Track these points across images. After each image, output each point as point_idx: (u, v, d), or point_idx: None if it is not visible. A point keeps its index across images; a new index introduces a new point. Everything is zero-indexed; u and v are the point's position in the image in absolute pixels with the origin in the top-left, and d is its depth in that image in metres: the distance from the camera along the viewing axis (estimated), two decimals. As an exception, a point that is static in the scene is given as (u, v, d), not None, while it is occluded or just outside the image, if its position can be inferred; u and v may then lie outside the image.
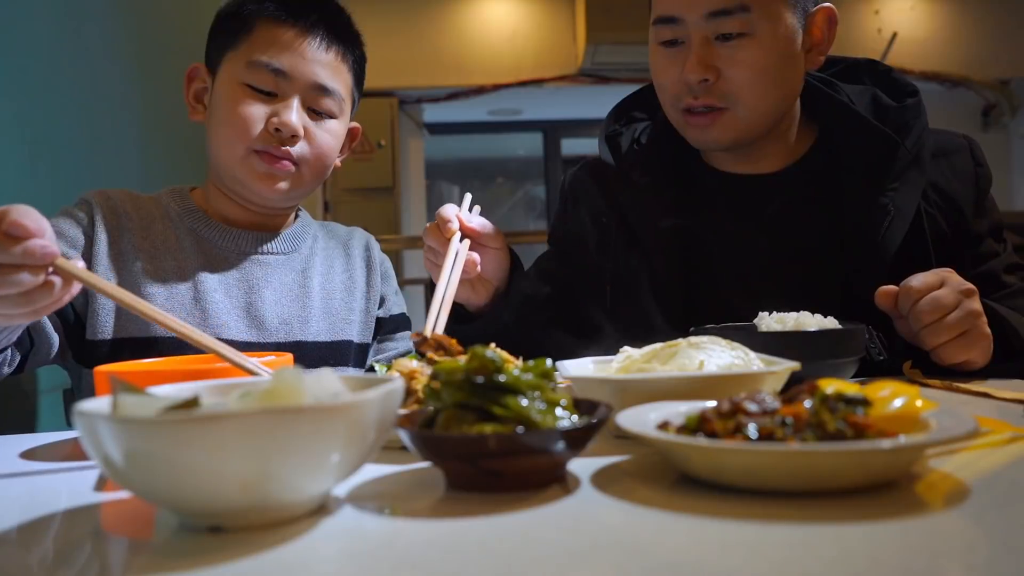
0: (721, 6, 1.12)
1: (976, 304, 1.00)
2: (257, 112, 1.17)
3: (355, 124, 1.33)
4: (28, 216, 0.74)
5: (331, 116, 1.23)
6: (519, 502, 0.56)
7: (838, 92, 1.25)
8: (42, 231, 0.75)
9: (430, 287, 5.21)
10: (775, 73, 1.15)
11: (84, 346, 1.15)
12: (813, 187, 1.23)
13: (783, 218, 1.22)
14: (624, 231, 1.27)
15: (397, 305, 1.41)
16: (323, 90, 1.20)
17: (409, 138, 6.02)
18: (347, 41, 1.25)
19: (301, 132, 1.18)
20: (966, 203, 1.20)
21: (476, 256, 1.14)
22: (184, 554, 0.49)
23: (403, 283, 5.07)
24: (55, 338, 1.11)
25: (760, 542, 0.47)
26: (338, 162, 1.31)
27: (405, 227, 5.84)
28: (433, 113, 6.22)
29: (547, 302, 1.25)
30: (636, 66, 5.25)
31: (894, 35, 5.53)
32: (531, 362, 0.63)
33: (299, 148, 1.19)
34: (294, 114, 1.17)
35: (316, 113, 1.21)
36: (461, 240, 1.13)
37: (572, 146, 7.19)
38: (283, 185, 1.20)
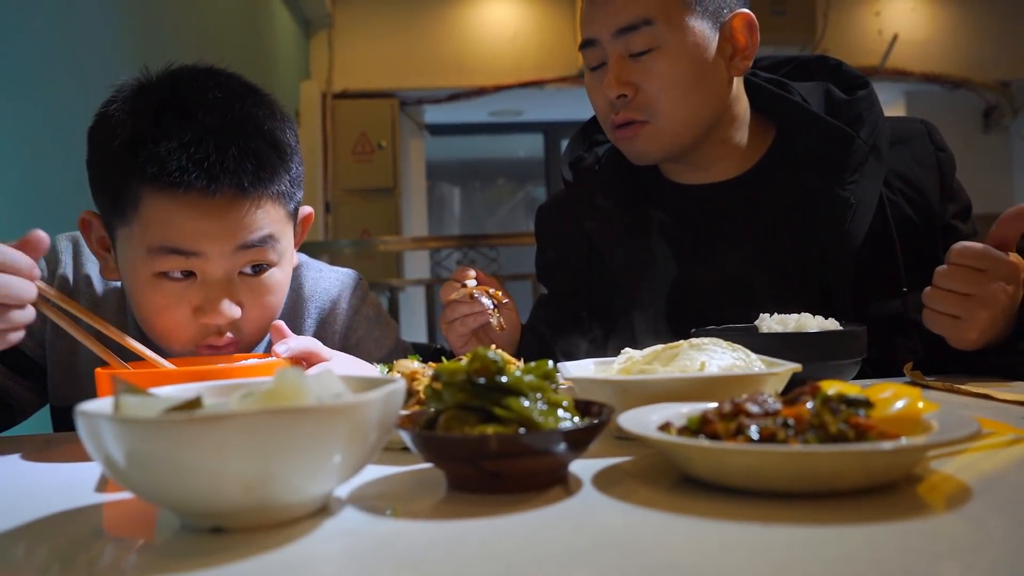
0: (626, 23, 1.15)
1: (990, 309, 0.96)
2: (180, 314, 0.97)
3: (307, 210, 1.13)
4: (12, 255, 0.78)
5: (269, 266, 1.01)
6: (521, 503, 0.56)
7: (790, 92, 1.26)
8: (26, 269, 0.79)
9: (430, 288, 5.15)
10: (690, 83, 1.16)
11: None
12: (774, 188, 1.24)
13: (748, 223, 1.23)
14: (593, 258, 1.28)
15: (378, 345, 1.24)
16: (250, 247, 0.97)
17: (410, 139, 6.02)
18: (267, 170, 0.96)
19: (238, 315, 0.99)
20: (930, 189, 1.21)
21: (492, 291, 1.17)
22: (185, 555, 0.49)
23: (403, 283, 5.06)
24: (30, 397, 1.13)
25: (761, 543, 0.47)
26: (295, 260, 1.12)
27: (406, 228, 5.84)
28: (434, 114, 6.22)
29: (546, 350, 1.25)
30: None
31: (895, 37, 5.53)
32: (533, 363, 0.63)
33: (240, 323, 1.00)
34: (223, 310, 0.97)
35: (251, 270, 1.00)
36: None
37: (573, 147, 7.17)
38: (232, 354, 1.03)
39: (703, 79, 1.17)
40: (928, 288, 1.00)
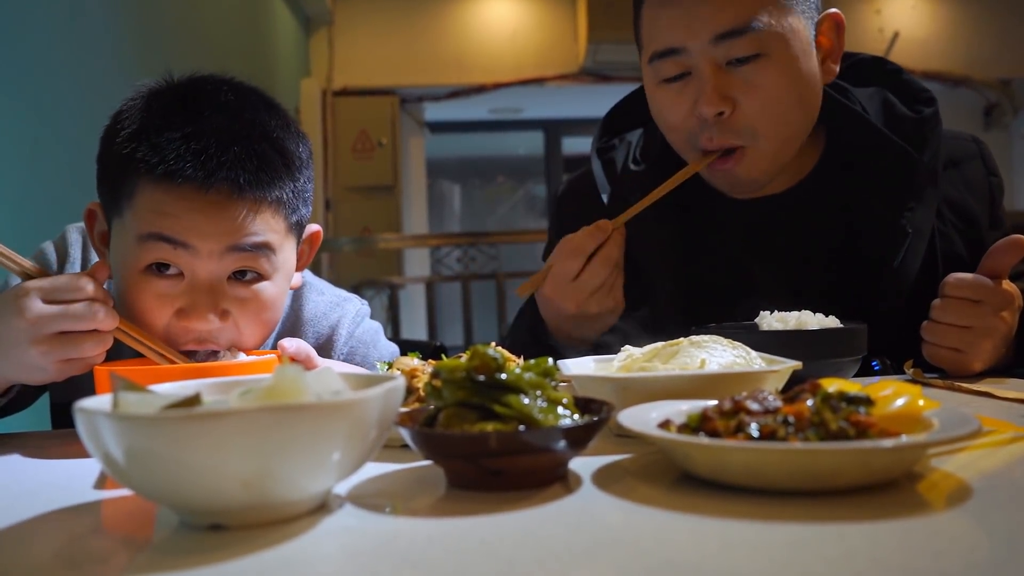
0: (728, 27, 1.01)
1: (991, 339, 0.96)
2: (164, 314, 0.94)
3: (315, 228, 1.09)
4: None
5: (260, 277, 0.96)
6: (520, 501, 0.56)
7: (850, 98, 1.16)
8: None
9: (430, 286, 5.16)
10: (796, 95, 1.05)
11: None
12: (824, 204, 1.14)
13: (795, 241, 1.15)
14: (625, 260, 1.15)
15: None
16: (242, 251, 0.93)
17: (410, 136, 6.03)
18: (267, 173, 0.94)
19: (217, 326, 0.94)
20: (982, 218, 1.14)
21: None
22: (184, 552, 0.49)
23: (403, 281, 5.06)
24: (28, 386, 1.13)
25: (762, 541, 0.47)
26: (296, 281, 1.08)
27: (406, 225, 5.84)
28: (434, 111, 6.23)
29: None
30: (637, 65, 5.25)
31: (896, 34, 5.53)
32: (532, 361, 0.63)
33: (224, 333, 0.96)
34: (204, 317, 0.93)
35: (240, 276, 0.95)
36: None
37: (573, 145, 7.20)
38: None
39: (806, 91, 1.06)
40: (927, 323, 0.98)
